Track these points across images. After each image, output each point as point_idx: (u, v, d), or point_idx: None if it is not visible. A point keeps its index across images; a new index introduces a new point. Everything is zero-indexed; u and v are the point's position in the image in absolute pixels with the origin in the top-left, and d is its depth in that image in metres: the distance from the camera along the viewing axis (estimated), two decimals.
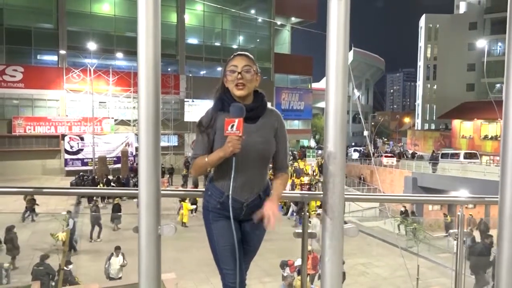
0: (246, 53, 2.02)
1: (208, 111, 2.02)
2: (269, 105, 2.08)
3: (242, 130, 1.78)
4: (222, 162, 1.90)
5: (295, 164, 29.16)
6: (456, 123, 43.88)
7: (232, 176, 1.86)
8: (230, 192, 1.88)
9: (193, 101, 33.34)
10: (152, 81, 1.60)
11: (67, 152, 29.28)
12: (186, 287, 10.62)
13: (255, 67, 1.97)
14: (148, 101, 1.60)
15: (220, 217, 2.00)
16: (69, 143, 29.30)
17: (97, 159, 28.13)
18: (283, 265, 10.85)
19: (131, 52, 30.93)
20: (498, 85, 52.95)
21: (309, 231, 2.45)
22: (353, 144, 55.58)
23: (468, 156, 29.96)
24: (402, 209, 20.09)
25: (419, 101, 62.52)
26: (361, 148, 46.56)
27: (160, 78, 1.64)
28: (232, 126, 1.78)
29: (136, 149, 30.25)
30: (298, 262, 10.80)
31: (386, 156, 33.50)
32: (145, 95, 1.59)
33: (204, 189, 2.15)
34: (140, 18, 1.57)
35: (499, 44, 53.89)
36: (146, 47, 1.58)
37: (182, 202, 17.08)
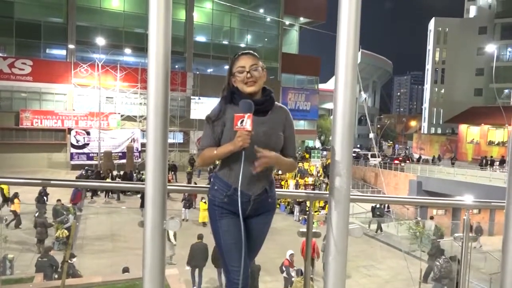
0: (250, 51, 2.07)
1: (217, 105, 2.05)
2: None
3: (251, 126, 1.81)
4: (230, 155, 1.92)
5: (300, 164, 29.12)
6: (462, 127, 43.62)
7: (242, 169, 1.88)
8: (239, 185, 1.89)
9: (199, 98, 33.38)
10: (162, 78, 1.61)
11: (73, 146, 29.46)
12: (188, 283, 10.65)
13: (260, 63, 2.03)
14: (157, 97, 1.61)
15: (227, 213, 2.00)
16: (75, 137, 29.48)
17: (102, 154, 28.28)
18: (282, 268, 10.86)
19: (139, 48, 31.06)
20: (506, 91, 52.55)
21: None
22: (358, 146, 55.39)
23: (372, 156, 38.61)
24: (373, 204, 20.01)
25: (426, 104, 62.18)
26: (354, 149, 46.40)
27: (170, 75, 1.65)
28: (242, 121, 1.81)
29: (142, 145, 30.53)
30: (288, 253, 10.83)
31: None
32: (154, 91, 1.61)
33: (209, 185, 2.16)
34: (152, 15, 1.58)
35: (509, 49, 53.50)
36: (157, 43, 1.59)
37: (200, 202, 17.04)
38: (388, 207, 21.57)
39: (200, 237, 10.92)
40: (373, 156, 38.34)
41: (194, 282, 10.75)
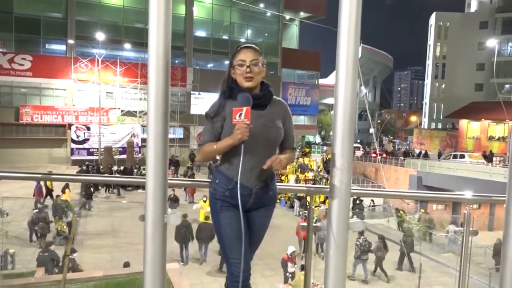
0: (253, 45, 2.07)
1: (216, 100, 2.07)
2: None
3: (250, 119, 1.82)
4: (230, 149, 1.94)
5: (300, 159, 29.12)
6: (463, 123, 43.55)
7: (241, 161, 1.90)
8: (239, 178, 1.91)
9: (199, 94, 33.34)
10: (162, 73, 1.60)
11: (73, 141, 29.46)
12: (189, 277, 10.70)
13: (261, 59, 2.03)
14: (158, 92, 1.61)
15: (228, 206, 2.02)
16: (75, 133, 29.48)
17: (102, 149, 28.31)
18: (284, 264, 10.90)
19: (139, 43, 30.98)
20: (507, 86, 52.45)
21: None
22: (358, 141, 55.34)
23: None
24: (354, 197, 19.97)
25: (426, 99, 62.09)
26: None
27: (170, 70, 1.65)
28: (240, 114, 1.83)
29: (142, 140, 30.50)
30: (289, 249, 10.90)
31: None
32: (155, 86, 1.60)
33: (210, 179, 2.17)
34: (152, 10, 1.57)
35: (510, 44, 53.32)
36: (157, 38, 1.59)
37: (200, 200, 16.76)
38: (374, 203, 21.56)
39: (184, 216, 12.06)
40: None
41: (182, 257, 12.00)
